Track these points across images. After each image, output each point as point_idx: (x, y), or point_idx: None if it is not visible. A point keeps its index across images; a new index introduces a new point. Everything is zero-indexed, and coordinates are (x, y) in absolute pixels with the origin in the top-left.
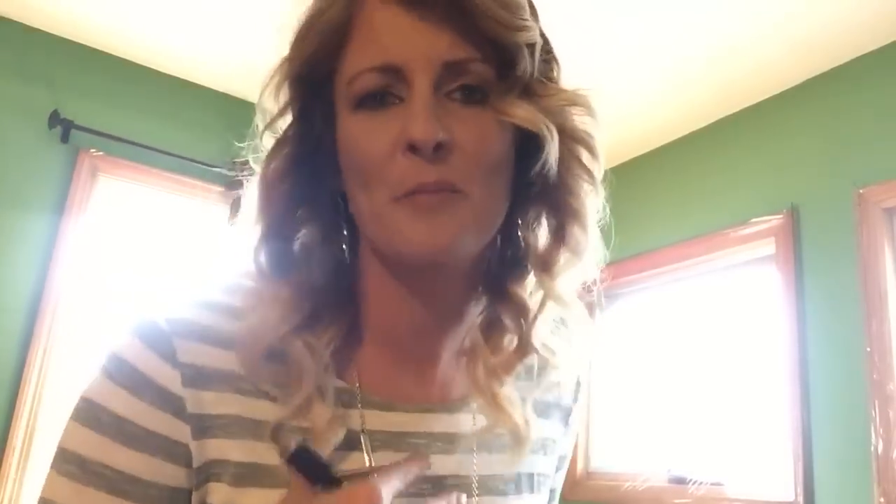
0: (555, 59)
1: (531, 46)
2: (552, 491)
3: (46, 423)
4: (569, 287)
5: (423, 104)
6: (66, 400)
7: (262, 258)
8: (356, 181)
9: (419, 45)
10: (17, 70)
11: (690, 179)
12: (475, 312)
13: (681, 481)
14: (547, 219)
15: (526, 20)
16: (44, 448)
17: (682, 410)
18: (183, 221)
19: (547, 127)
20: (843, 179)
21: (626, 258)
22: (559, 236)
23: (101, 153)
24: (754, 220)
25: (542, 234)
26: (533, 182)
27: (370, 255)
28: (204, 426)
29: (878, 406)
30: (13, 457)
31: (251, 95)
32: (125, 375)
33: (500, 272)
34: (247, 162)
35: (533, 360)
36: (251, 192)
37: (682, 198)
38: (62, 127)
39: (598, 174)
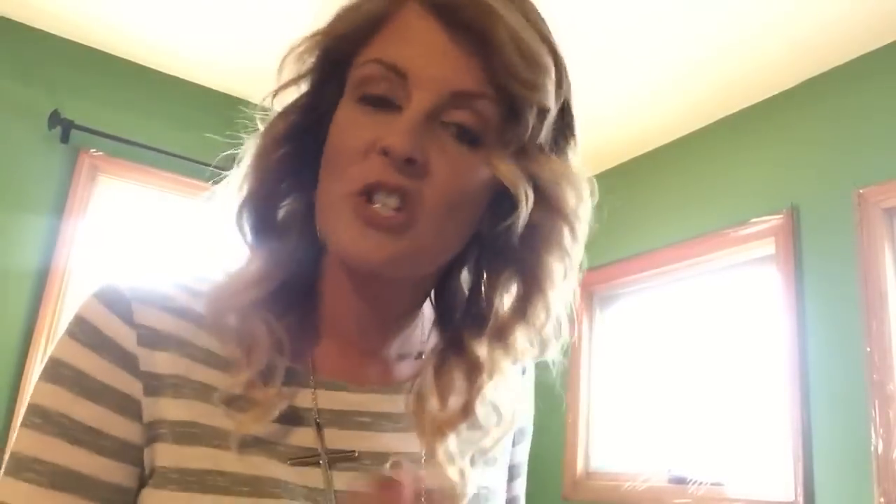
0: (571, 134)
1: (542, 111)
2: (515, 498)
3: None
4: (522, 357)
5: (411, 122)
6: None
7: (243, 220)
8: (328, 166)
9: (436, 63)
10: (17, 70)
11: (690, 179)
12: (420, 320)
13: (681, 481)
14: (516, 286)
15: (543, 83)
16: None
17: (682, 410)
18: (183, 222)
19: (525, 192)
20: (843, 179)
21: (626, 258)
22: (521, 308)
23: (101, 153)
24: (754, 220)
25: (507, 300)
26: (498, 237)
27: (329, 251)
28: (154, 384)
29: (878, 406)
30: None
31: (251, 95)
32: (86, 334)
33: (461, 324)
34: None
35: (493, 422)
36: (245, 155)
37: (682, 198)
38: (62, 127)
39: (576, 258)
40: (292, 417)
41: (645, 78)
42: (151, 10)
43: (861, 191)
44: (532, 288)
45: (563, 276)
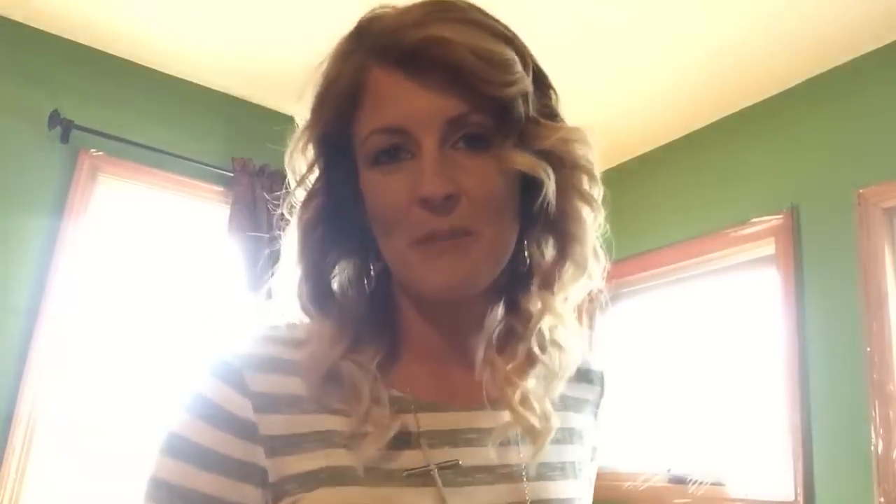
0: (551, 89)
1: (524, 95)
2: (588, 480)
3: (46, 424)
4: (571, 300)
5: (431, 163)
6: (65, 400)
7: (304, 296)
8: (379, 228)
9: (422, 108)
10: (17, 70)
11: (690, 179)
12: (494, 319)
13: (681, 481)
14: (553, 242)
15: (516, 74)
16: (43, 449)
17: (683, 410)
18: (183, 221)
19: (545, 171)
20: (843, 179)
21: (626, 258)
22: (562, 257)
23: (101, 153)
24: (754, 220)
25: (548, 254)
26: (536, 215)
27: (400, 289)
28: (276, 446)
29: (878, 406)
30: (13, 457)
31: (251, 95)
32: (203, 409)
33: (511, 285)
34: (242, 159)
35: (559, 361)
36: (289, 240)
37: (682, 198)
38: (62, 127)
39: (598, 196)
40: (403, 443)
41: (645, 78)
42: (151, 10)
43: (861, 191)
44: (566, 235)
45: (592, 216)
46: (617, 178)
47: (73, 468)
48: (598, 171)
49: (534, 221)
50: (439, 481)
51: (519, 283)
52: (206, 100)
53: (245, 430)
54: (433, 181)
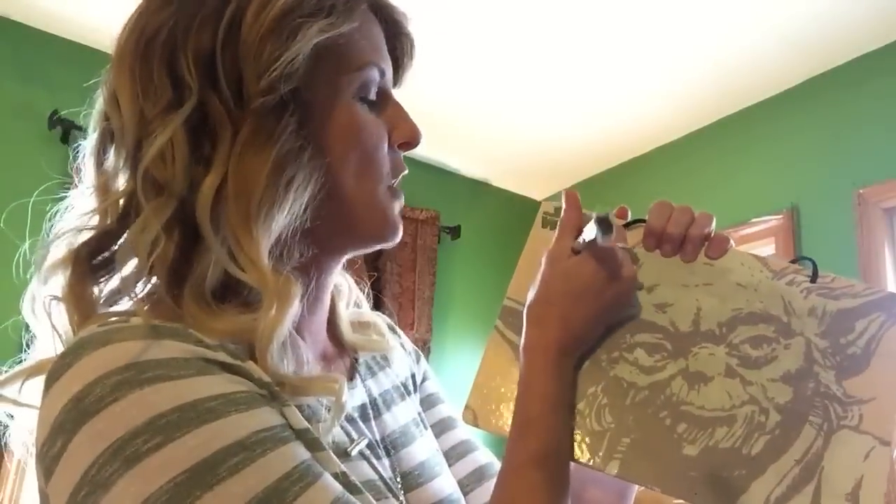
0: None
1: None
2: (450, 417)
3: None
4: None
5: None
6: None
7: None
8: (354, 165)
9: (388, 62)
10: (17, 70)
11: (690, 179)
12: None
13: None
14: None
15: None
16: None
17: None
18: None
19: None
20: (843, 179)
21: None
22: None
23: None
24: (754, 220)
25: None
26: None
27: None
28: (271, 391)
29: None
30: (13, 457)
31: None
32: (184, 367)
33: None
34: None
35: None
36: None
37: (681, 198)
38: (62, 127)
39: None
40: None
41: (646, 78)
42: None
43: (861, 191)
44: None
45: None
46: (617, 178)
47: None
48: None
49: None
50: (372, 456)
51: None
52: None
53: (238, 372)
54: (417, 128)
